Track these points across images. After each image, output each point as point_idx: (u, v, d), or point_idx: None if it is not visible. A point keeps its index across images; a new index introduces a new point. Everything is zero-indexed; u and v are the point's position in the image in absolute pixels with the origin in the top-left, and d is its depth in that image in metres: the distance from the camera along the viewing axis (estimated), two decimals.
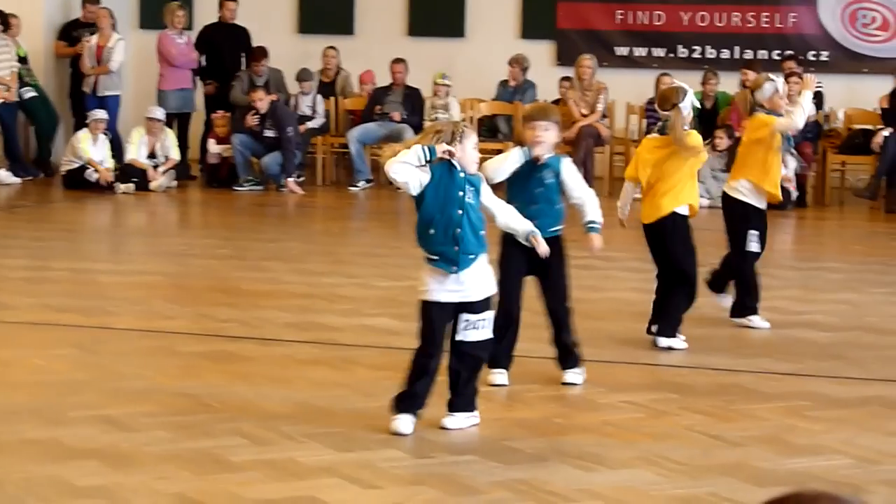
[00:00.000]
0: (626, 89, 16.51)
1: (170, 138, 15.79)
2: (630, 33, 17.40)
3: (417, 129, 14.73)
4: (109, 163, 15.39)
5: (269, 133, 15.70)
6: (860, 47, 16.84)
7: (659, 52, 17.33)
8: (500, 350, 6.77)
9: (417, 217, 5.90)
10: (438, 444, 5.82)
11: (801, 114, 8.38)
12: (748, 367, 7.41)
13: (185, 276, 10.21)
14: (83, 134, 15.44)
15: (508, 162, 6.73)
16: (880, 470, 5.62)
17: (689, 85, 8.03)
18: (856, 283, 10.30)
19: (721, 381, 7.09)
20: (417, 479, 5.38)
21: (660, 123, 7.90)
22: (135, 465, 5.41)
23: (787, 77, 14.28)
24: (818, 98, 15.62)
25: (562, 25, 17.58)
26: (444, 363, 6.00)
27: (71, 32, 17.14)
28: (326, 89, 16.98)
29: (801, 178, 14.72)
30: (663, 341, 7.74)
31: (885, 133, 14.87)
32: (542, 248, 6.29)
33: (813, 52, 16.83)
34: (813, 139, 15.09)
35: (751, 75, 15.12)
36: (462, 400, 6.02)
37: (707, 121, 14.79)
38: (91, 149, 15.27)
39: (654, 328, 7.86)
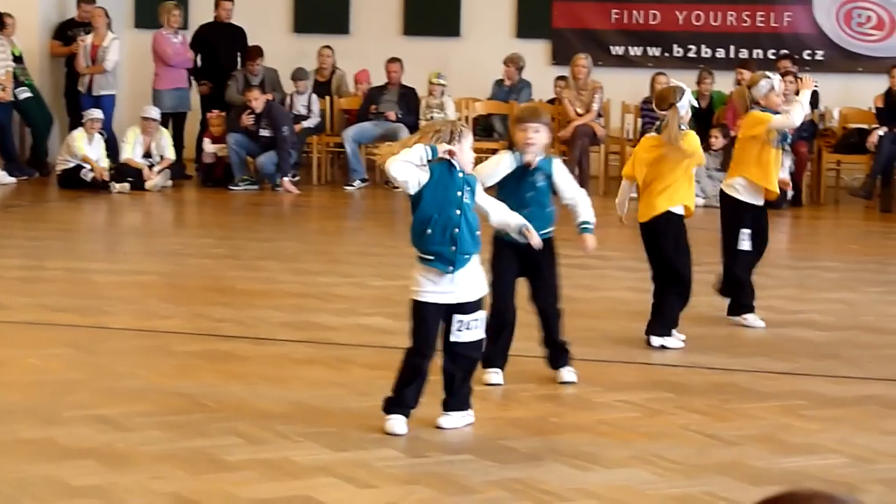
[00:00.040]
0: (622, 89, 16.51)
1: (165, 138, 15.78)
2: (625, 32, 17.40)
3: (413, 128, 14.72)
4: (105, 162, 15.38)
5: (264, 132, 15.69)
6: (855, 46, 16.86)
7: (654, 51, 17.34)
8: (495, 349, 6.78)
9: (414, 217, 5.88)
10: (433, 443, 5.82)
11: (799, 111, 8.40)
12: (744, 366, 7.41)
13: (181, 275, 10.21)
14: (78, 133, 15.43)
15: (500, 167, 6.70)
16: (875, 469, 5.62)
17: (684, 84, 8.02)
18: (851, 283, 10.31)
19: (716, 380, 7.09)
20: (412, 478, 5.37)
21: (657, 122, 7.90)
22: (130, 465, 5.41)
23: (782, 76, 14.32)
24: (814, 97, 15.62)
25: (557, 25, 17.59)
26: (436, 363, 6.00)
27: (66, 32, 17.13)
28: (322, 89, 16.97)
29: (795, 177, 14.73)
30: (656, 340, 7.75)
31: (880, 132, 14.88)
32: (536, 241, 6.29)
33: (808, 52, 16.85)
34: (808, 138, 15.10)
35: (746, 74, 15.12)
36: (457, 399, 6.02)
37: (702, 120, 14.81)
38: (86, 147, 15.26)
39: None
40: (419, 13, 17.83)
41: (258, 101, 15.68)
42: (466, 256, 5.88)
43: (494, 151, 6.91)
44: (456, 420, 6.02)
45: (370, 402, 6.16)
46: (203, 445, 5.68)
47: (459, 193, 5.87)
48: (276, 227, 13.54)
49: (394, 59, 16.48)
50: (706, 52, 17.16)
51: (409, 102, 16.32)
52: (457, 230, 5.84)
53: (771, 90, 8.40)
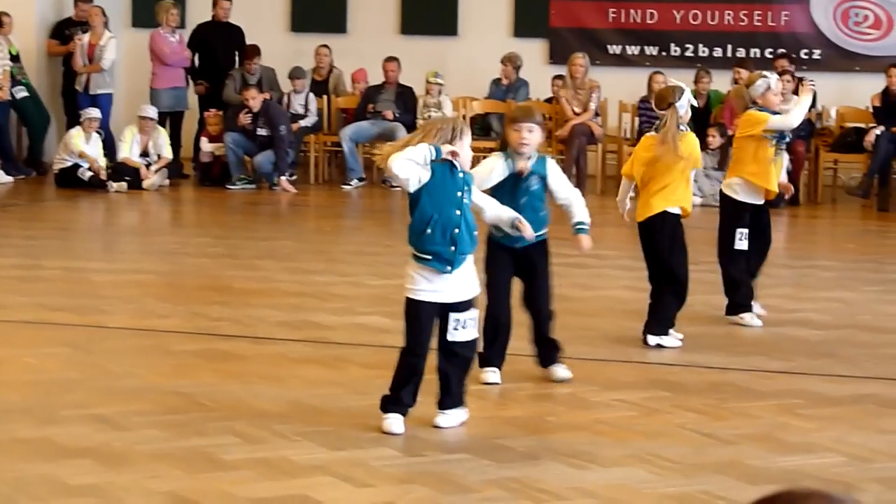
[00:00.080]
0: (619, 88, 16.51)
1: (162, 137, 15.78)
2: (623, 32, 17.41)
3: (410, 127, 14.73)
4: (102, 161, 15.38)
5: (261, 131, 15.69)
6: (852, 45, 16.86)
7: (651, 50, 17.34)
8: (493, 349, 6.79)
9: (413, 216, 5.86)
10: (431, 442, 5.82)
11: (798, 113, 8.42)
12: (741, 365, 7.41)
13: (178, 274, 10.21)
14: (76, 131, 15.43)
15: (493, 174, 6.66)
16: (872, 468, 5.63)
17: (683, 84, 8.02)
18: (848, 282, 10.32)
19: (713, 379, 7.10)
20: (409, 477, 5.38)
21: (657, 122, 7.89)
22: (127, 464, 5.41)
23: (779, 75, 14.32)
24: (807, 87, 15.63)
25: (554, 24, 17.59)
26: (430, 363, 6.00)
27: (63, 31, 17.12)
28: (319, 88, 16.97)
29: (793, 176, 14.73)
30: (653, 339, 7.75)
31: (877, 131, 14.88)
32: (529, 233, 6.30)
33: (805, 51, 16.86)
34: (805, 137, 15.11)
35: (743, 73, 15.13)
36: (453, 398, 6.02)
37: (699, 119, 14.80)
38: (84, 146, 15.25)
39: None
40: (416, 12, 17.83)
41: (255, 100, 15.68)
42: (464, 256, 5.89)
43: (492, 150, 6.89)
44: (452, 418, 6.02)
45: (368, 402, 6.16)
46: (200, 444, 5.68)
47: (459, 194, 5.87)
48: (273, 227, 13.54)
49: (391, 59, 16.48)
50: (703, 51, 17.16)
51: (406, 101, 16.32)
52: (457, 230, 5.84)
53: (768, 89, 8.40)
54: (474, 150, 6.23)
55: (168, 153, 15.70)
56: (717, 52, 17.11)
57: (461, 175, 5.88)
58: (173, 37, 16.70)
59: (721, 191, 8.66)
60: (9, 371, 7.01)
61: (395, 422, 5.90)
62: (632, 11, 17.34)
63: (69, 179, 15.18)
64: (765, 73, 8.73)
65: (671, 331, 7.83)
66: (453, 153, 5.78)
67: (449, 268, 5.83)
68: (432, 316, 5.88)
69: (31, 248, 11.02)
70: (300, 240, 12.20)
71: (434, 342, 5.94)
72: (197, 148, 16.31)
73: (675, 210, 7.75)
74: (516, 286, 6.90)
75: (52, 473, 5.26)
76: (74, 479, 5.20)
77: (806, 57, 16.78)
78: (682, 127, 7.69)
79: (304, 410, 6.26)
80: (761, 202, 8.52)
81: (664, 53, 17.27)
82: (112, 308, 8.70)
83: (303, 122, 16.40)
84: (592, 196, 14.44)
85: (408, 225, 5.90)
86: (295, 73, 16.61)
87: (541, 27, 17.55)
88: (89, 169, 15.16)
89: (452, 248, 5.83)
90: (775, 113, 8.42)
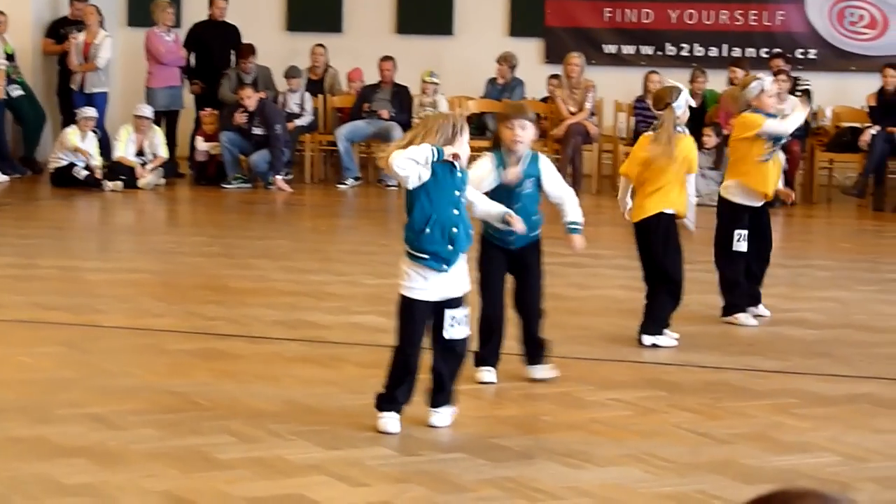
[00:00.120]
0: (615, 87, 16.51)
1: (158, 136, 15.77)
2: (618, 31, 17.40)
3: (405, 127, 14.72)
4: (97, 160, 15.37)
5: (257, 131, 15.69)
6: (848, 45, 16.86)
7: (647, 49, 17.34)
8: (488, 348, 6.79)
9: (412, 215, 5.83)
10: (426, 441, 5.82)
11: (793, 122, 8.45)
12: (736, 364, 7.42)
13: (174, 273, 10.20)
14: (71, 130, 15.42)
15: (483, 184, 6.60)
16: (867, 467, 5.63)
17: (681, 84, 8.01)
18: (843, 281, 10.33)
19: (709, 378, 7.10)
20: (405, 476, 5.38)
21: (655, 122, 7.88)
22: (122, 463, 5.40)
23: (775, 74, 14.33)
24: (806, 96, 15.63)
25: (550, 23, 17.58)
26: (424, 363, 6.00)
27: (59, 30, 17.10)
28: (314, 87, 16.96)
29: (788, 176, 14.73)
30: (648, 339, 7.75)
31: (873, 131, 14.89)
32: (519, 227, 6.30)
33: (801, 50, 16.86)
34: (801, 137, 15.10)
35: (739, 73, 15.16)
36: (445, 396, 6.03)
37: (695, 119, 14.79)
38: (79, 143, 15.24)
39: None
40: (412, 11, 17.83)
41: (251, 99, 15.67)
42: (460, 254, 5.89)
43: (488, 149, 6.87)
44: (446, 416, 6.02)
45: (363, 401, 6.16)
46: (196, 444, 5.68)
47: (457, 193, 5.87)
48: (268, 226, 13.54)
49: (387, 58, 16.48)
50: (699, 50, 17.16)
51: (402, 101, 16.32)
52: (454, 229, 5.84)
53: (762, 92, 8.41)
54: (470, 149, 6.21)
55: (164, 152, 15.70)
56: (713, 52, 17.11)
57: (460, 175, 5.88)
58: (169, 36, 16.70)
59: (719, 194, 8.67)
60: (4, 370, 7.00)
61: (390, 421, 5.90)
62: (627, 11, 17.34)
63: (65, 178, 15.16)
64: (758, 75, 8.74)
65: (666, 330, 7.83)
66: (455, 156, 5.78)
67: (445, 266, 5.84)
68: (427, 314, 5.88)
69: (26, 247, 11.02)
70: (296, 239, 12.19)
71: (426, 341, 5.94)
72: (192, 147, 16.31)
73: (670, 210, 7.75)
74: (508, 284, 6.89)
75: (47, 472, 5.26)
76: (69, 478, 5.20)
77: (801, 56, 16.79)
78: (679, 128, 7.69)
79: (300, 410, 6.25)
80: (760, 204, 8.53)
81: (660, 53, 17.27)
82: (107, 307, 8.69)
83: (298, 122, 16.40)
84: (588, 196, 14.44)
85: (404, 224, 5.89)
86: (290, 73, 16.60)
87: (536, 27, 17.55)
88: (85, 168, 15.14)
89: (450, 246, 5.83)
90: (770, 115, 8.42)
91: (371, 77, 16.66)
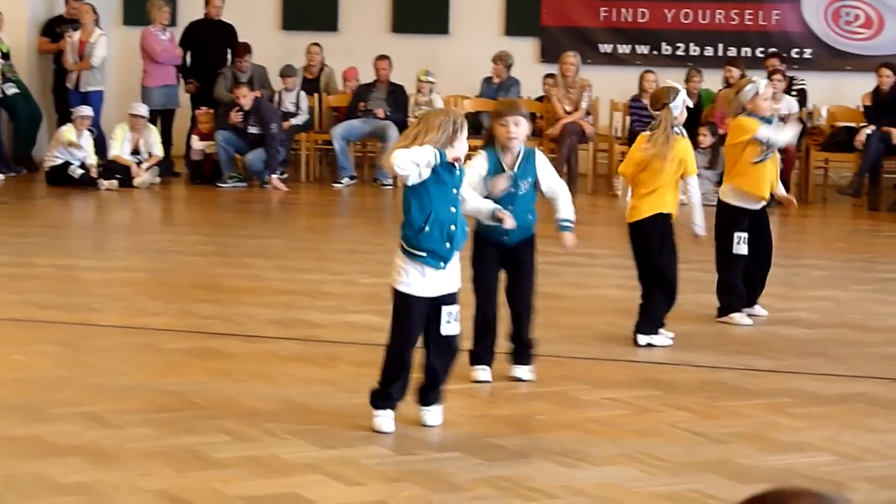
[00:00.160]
0: (610, 86, 16.52)
1: (153, 135, 15.77)
2: (614, 30, 17.41)
3: (401, 126, 14.74)
4: (93, 159, 15.36)
5: (252, 129, 15.68)
6: (843, 45, 16.88)
7: (643, 49, 17.35)
8: (483, 346, 6.79)
9: (410, 214, 5.82)
10: (421, 440, 5.82)
11: (787, 134, 8.52)
12: (731, 363, 7.42)
13: (169, 272, 10.20)
14: (67, 128, 15.41)
15: (476, 190, 6.57)
16: (862, 467, 5.63)
17: (678, 84, 8.01)
18: (839, 280, 10.33)
19: (704, 377, 7.10)
20: (400, 475, 5.37)
21: (652, 122, 7.87)
22: (117, 462, 5.40)
23: (770, 74, 14.35)
24: (801, 95, 15.67)
25: (546, 22, 17.59)
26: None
27: (54, 28, 17.10)
28: (310, 86, 16.96)
29: (783, 175, 14.74)
30: (643, 338, 7.75)
31: (868, 130, 14.90)
32: (510, 223, 6.31)
33: (796, 50, 16.88)
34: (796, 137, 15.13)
35: (734, 72, 15.18)
36: (437, 394, 6.03)
37: (690, 118, 14.80)
38: (73, 138, 15.22)
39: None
40: (408, 10, 17.83)
41: (246, 98, 15.67)
42: (456, 251, 5.89)
43: (480, 147, 6.86)
44: (438, 414, 6.02)
45: (358, 400, 6.16)
46: (191, 443, 5.67)
47: (455, 191, 5.88)
48: (264, 225, 13.53)
49: (382, 57, 16.48)
50: (695, 50, 17.17)
51: (397, 100, 16.32)
52: (452, 227, 5.84)
53: (756, 95, 8.41)
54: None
55: (159, 151, 15.69)
56: (709, 51, 17.13)
57: (458, 174, 5.89)
58: (164, 35, 16.69)
59: (718, 198, 8.69)
60: None
61: (384, 420, 5.90)
62: (623, 10, 17.35)
63: (60, 177, 15.15)
64: (753, 77, 8.75)
65: (662, 330, 7.83)
66: (456, 158, 5.78)
67: (443, 264, 5.84)
68: (423, 310, 5.87)
69: (21, 246, 11.01)
70: (291, 238, 12.19)
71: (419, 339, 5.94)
72: (188, 146, 16.30)
73: (666, 212, 7.75)
74: (502, 282, 6.89)
75: (42, 471, 5.25)
76: (64, 477, 5.20)
77: (797, 56, 16.80)
78: (676, 129, 7.68)
79: (295, 409, 6.25)
80: (758, 207, 8.54)
81: (655, 52, 17.28)
82: (102, 306, 8.69)
83: (294, 121, 16.40)
84: (583, 195, 14.45)
85: (402, 222, 5.88)
86: (286, 72, 16.60)
87: (532, 26, 17.55)
88: (81, 167, 15.12)
89: (448, 244, 5.83)
90: (764, 118, 8.42)
91: (367, 76, 16.66)
